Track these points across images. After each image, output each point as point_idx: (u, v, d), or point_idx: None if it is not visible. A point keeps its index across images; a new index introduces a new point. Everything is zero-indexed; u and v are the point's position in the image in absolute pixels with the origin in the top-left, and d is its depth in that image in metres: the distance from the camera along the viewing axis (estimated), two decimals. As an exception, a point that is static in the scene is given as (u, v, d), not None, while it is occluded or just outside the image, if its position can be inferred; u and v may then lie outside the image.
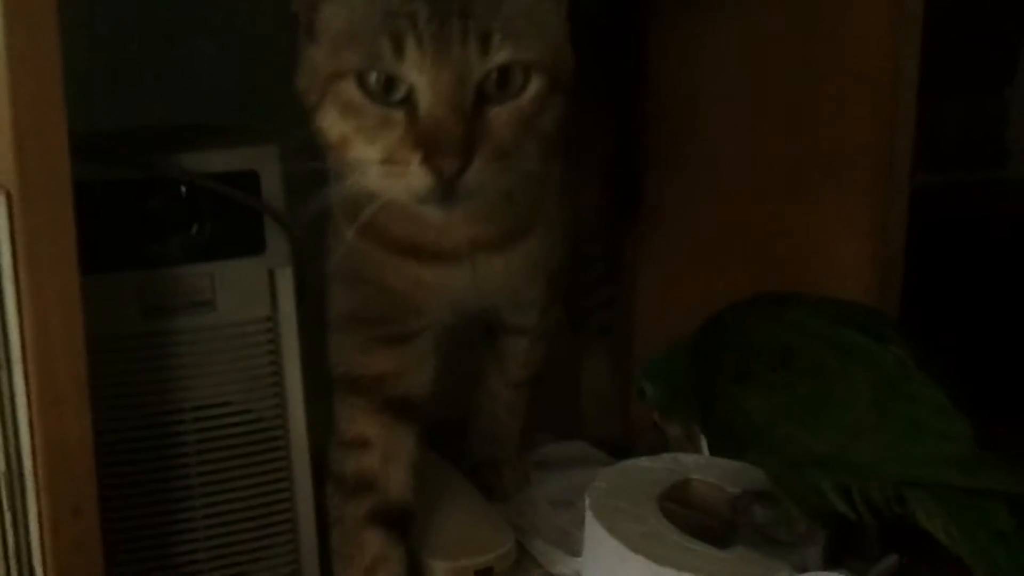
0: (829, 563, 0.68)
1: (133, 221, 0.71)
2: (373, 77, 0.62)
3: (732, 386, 0.68)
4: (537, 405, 1.03)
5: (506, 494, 0.92)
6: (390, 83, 0.62)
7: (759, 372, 0.67)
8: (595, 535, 0.70)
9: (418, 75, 0.61)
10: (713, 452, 0.75)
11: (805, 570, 0.66)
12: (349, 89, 0.63)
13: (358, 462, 0.78)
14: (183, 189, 0.72)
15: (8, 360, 0.59)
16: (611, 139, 1.04)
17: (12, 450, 0.60)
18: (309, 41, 0.67)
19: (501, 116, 0.63)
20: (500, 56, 0.62)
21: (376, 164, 0.63)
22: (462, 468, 0.93)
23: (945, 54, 1.42)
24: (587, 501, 0.72)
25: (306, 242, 0.77)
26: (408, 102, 0.62)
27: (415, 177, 0.62)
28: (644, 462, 0.78)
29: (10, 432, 0.60)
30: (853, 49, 0.90)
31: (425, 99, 0.61)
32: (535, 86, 0.64)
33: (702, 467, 0.76)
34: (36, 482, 0.60)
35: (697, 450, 0.80)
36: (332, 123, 0.65)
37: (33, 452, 0.60)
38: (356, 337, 0.78)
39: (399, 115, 0.62)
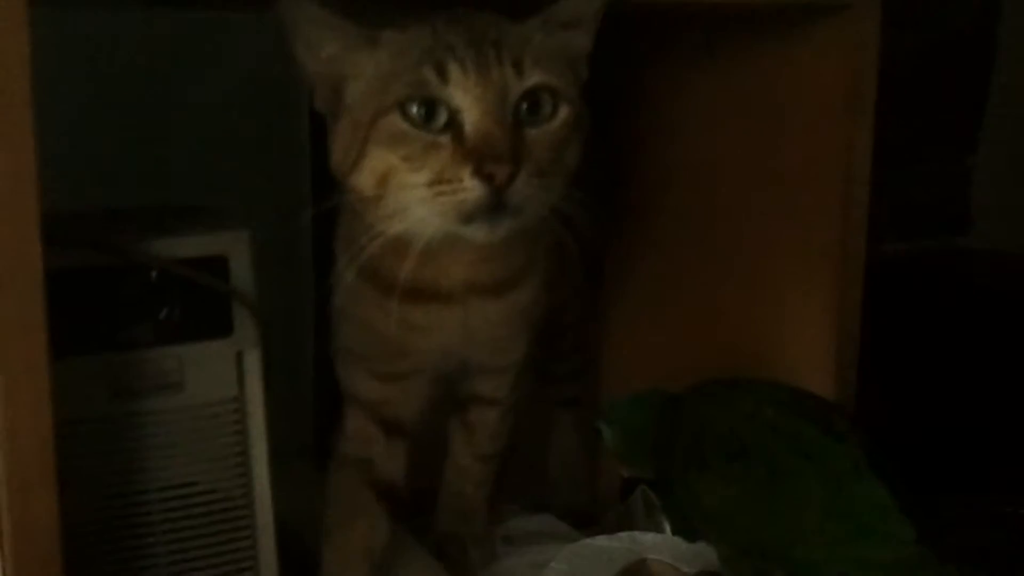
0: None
1: (103, 305, 0.73)
2: (414, 108, 0.67)
3: (688, 472, 0.70)
4: (506, 474, 1.04)
5: (471, 570, 0.93)
6: (431, 111, 0.67)
7: (714, 462, 0.70)
8: (553, 616, 0.71)
9: (463, 96, 0.67)
10: (674, 530, 0.77)
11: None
12: (394, 122, 0.68)
13: (359, 449, 0.86)
14: (153, 274, 0.74)
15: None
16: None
17: (-21, 535, 0.61)
18: (335, 121, 0.72)
19: (536, 137, 0.69)
20: (533, 78, 0.68)
21: (424, 187, 0.67)
22: (426, 541, 0.94)
23: (908, 123, 1.46)
24: (540, 583, 0.74)
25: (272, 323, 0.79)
26: (452, 125, 0.67)
27: (467, 190, 0.66)
28: (602, 541, 0.79)
29: (-23, 518, 0.61)
30: (810, 124, 0.92)
31: (471, 117, 0.67)
32: (564, 113, 0.70)
33: (659, 547, 0.78)
34: (3, 566, 0.61)
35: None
36: (377, 161, 0.69)
37: (0, 536, 0.61)
38: (355, 366, 0.84)
39: (445, 139, 0.67)
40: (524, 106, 0.68)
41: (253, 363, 0.78)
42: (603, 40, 0.74)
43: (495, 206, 0.66)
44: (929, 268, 1.44)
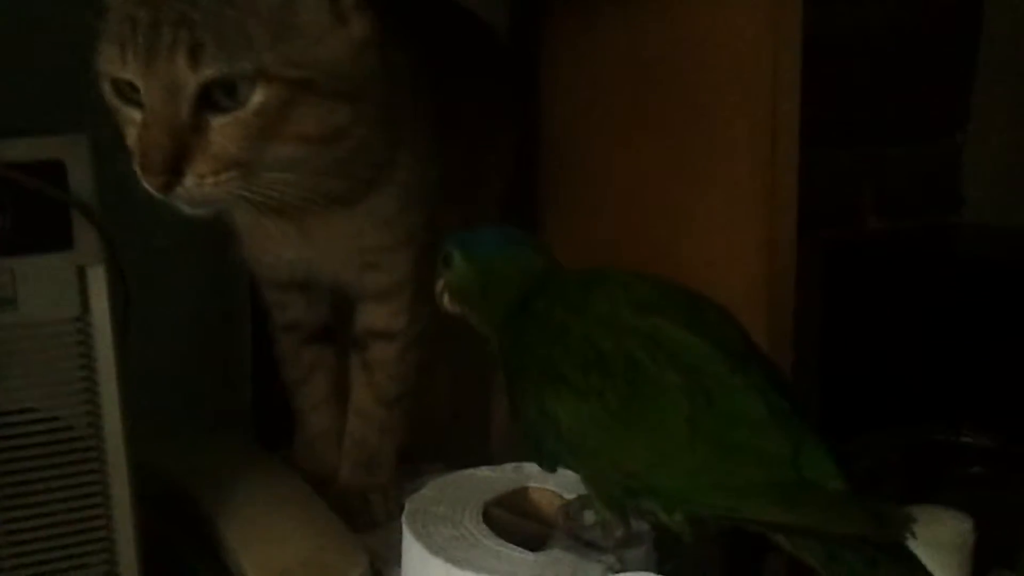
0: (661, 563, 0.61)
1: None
2: (109, 83, 0.64)
3: (540, 387, 0.60)
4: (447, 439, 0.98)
5: (372, 523, 0.86)
6: (123, 89, 0.63)
7: (570, 374, 0.59)
8: (406, 541, 0.64)
9: (139, 83, 0.62)
10: (531, 456, 0.68)
11: (622, 571, 0.59)
12: (106, 89, 0.65)
13: (283, 316, 0.89)
14: (-23, 179, 0.68)
15: None
16: (506, 151, 1.01)
17: None
18: None
19: (223, 126, 0.62)
20: (210, 71, 0.61)
21: None
22: (328, 494, 0.87)
23: (894, 100, 1.39)
24: (405, 507, 0.66)
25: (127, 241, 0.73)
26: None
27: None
28: (484, 471, 0.72)
29: None
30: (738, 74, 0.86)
31: (145, 111, 0.62)
32: (260, 96, 0.62)
33: (544, 475, 0.69)
34: None
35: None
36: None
37: None
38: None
39: (139, 115, 0.63)
40: (218, 87, 0.62)
41: (98, 281, 0.72)
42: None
43: (174, 202, 0.64)
44: (917, 245, 1.37)
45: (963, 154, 1.49)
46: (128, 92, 0.64)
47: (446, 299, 0.68)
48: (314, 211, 0.74)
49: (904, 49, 1.41)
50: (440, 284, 0.68)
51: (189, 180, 0.62)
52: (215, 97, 0.62)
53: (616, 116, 0.98)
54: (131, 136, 0.64)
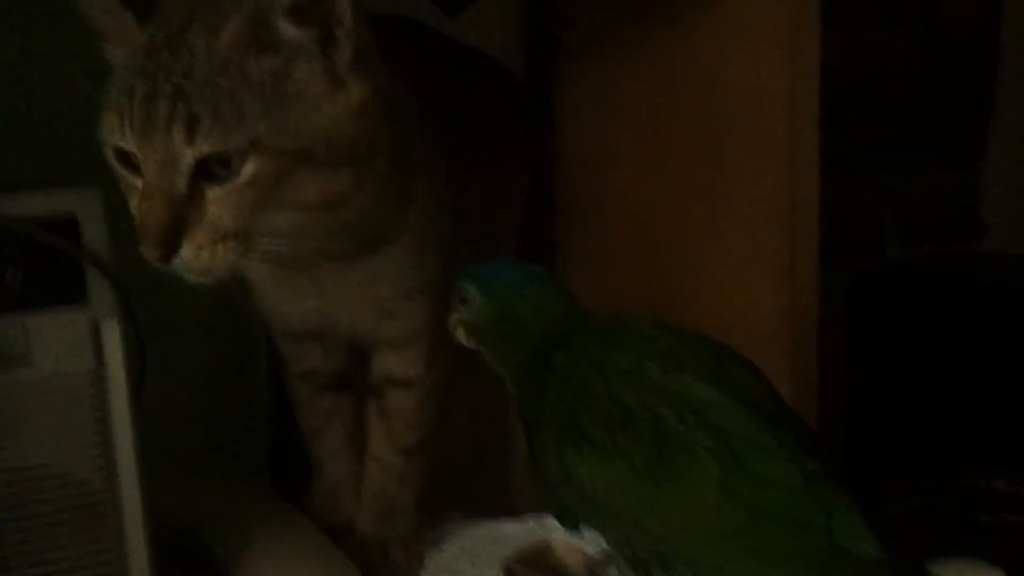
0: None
1: (-64, 268, 0.67)
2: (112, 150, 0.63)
3: (564, 448, 0.59)
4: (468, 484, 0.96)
5: (392, 574, 0.84)
6: (125, 156, 0.62)
7: (593, 433, 0.58)
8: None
9: (137, 154, 0.61)
10: (554, 513, 0.66)
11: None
12: (110, 156, 0.63)
13: (299, 365, 0.87)
14: (-9, 233, 0.68)
15: None
16: (522, 188, 1.00)
17: None
18: None
19: (218, 197, 0.61)
20: (205, 146, 0.60)
21: None
22: (346, 544, 0.85)
23: (915, 128, 1.38)
24: (427, 564, 0.65)
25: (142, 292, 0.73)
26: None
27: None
28: (505, 526, 0.70)
29: None
30: (750, 77, 0.84)
31: (143, 181, 0.61)
32: (253, 167, 0.61)
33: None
34: None
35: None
36: None
37: None
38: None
39: (140, 183, 0.62)
40: (206, 165, 0.60)
41: (112, 335, 0.71)
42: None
43: (175, 272, 0.63)
44: (939, 273, 1.36)
45: (984, 182, 1.47)
46: (129, 160, 0.63)
47: (460, 334, 0.67)
48: (329, 264, 0.73)
49: (923, 77, 1.40)
50: (455, 318, 0.67)
51: (187, 252, 0.61)
52: (212, 168, 0.61)
53: (632, 150, 0.97)
54: (133, 204, 0.63)
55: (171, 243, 0.60)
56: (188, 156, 0.60)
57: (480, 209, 0.89)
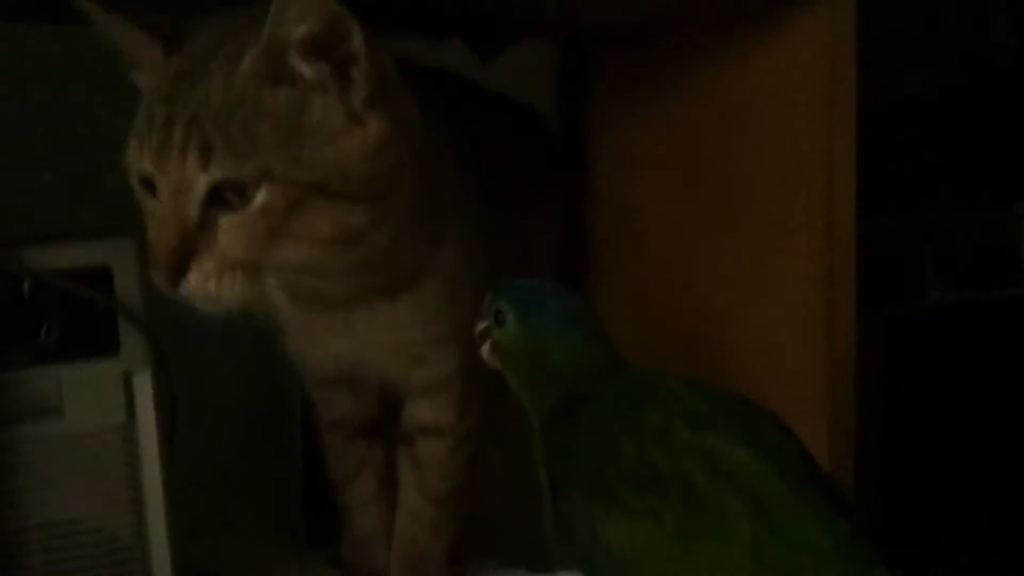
0: None
1: (-30, 321, 0.67)
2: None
3: (590, 504, 0.57)
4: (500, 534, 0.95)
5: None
6: (147, 180, 0.62)
7: (622, 494, 0.56)
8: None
9: (155, 178, 0.61)
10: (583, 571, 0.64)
11: None
12: (134, 182, 0.63)
13: (330, 413, 0.85)
14: (26, 286, 0.68)
15: None
16: (554, 236, 0.99)
17: None
18: None
19: (229, 225, 0.61)
20: (218, 173, 0.59)
21: None
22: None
23: (953, 169, 1.36)
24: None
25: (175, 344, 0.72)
26: None
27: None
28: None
29: None
30: (785, 130, 0.83)
31: (158, 203, 0.61)
32: (264, 196, 0.60)
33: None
34: None
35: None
36: None
37: None
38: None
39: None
40: (220, 193, 0.60)
41: (144, 386, 0.71)
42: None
43: (183, 299, 0.61)
44: (977, 318, 1.34)
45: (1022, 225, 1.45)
46: (151, 185, 0.62)
47: (487, 351, 0.66)
48: (359, 304, 0.72)
49: (961, 117, 1.39)
50: (485, 335, 0.66)
51: (194, 278, 0.60)
52: (226, 196, 0.60)
53: (668, 190, 0.96)
54: (148, 229, 0.63)
55: (178, 267, 0.60)
56: (201, 182, 0.59)
57: (512, 258, 0.88)
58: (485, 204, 0.80)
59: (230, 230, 0.60)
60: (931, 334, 1.28)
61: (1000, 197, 1.43)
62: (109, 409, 0.70)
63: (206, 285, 0.60)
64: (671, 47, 0.91)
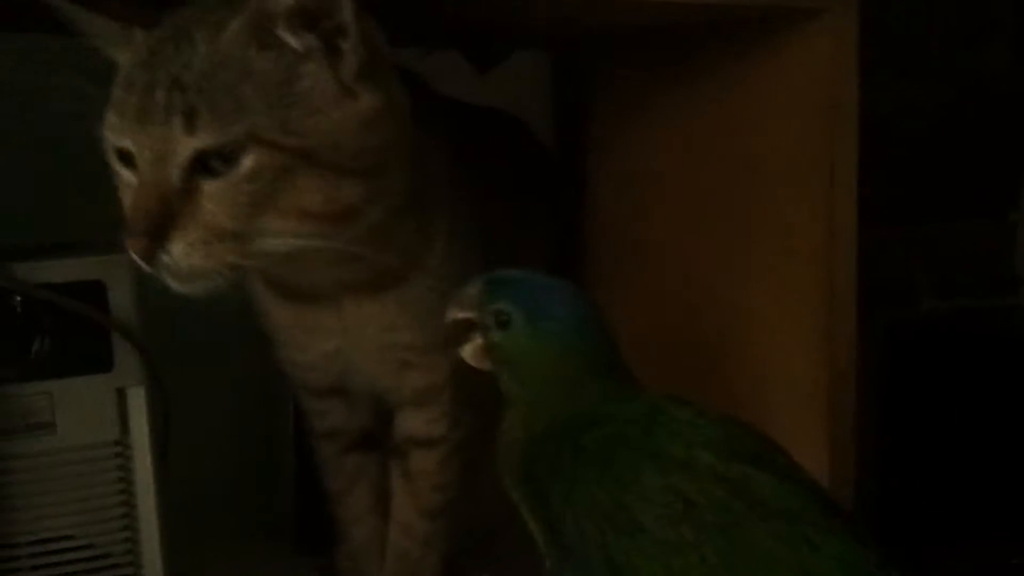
0: None
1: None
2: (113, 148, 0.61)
3: (608, 536, 0.56)
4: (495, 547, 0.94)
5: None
6: (123, 154, 0.60)
7: (652, 526, 0.55)
8: None
9: (133, 148, 0.59)
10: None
11: None
12: (111, 156, 0.61)
13: (323, 423, 0.85)
14: (18, 300, 0.67)
15: None
16: (548, 248, 0.99)
17: None
18: None
19: (214, 191, 0.58)
20: (205, 137, 0.57)
21: None
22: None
23: (946, 179, 1.36)
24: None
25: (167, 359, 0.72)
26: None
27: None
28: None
29: None
30: (788, 138, 0.83)
31: (138, 173, 0.59)
32: (252, 160, 0.58)
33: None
34: None
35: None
36: None
37: None
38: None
39: (135, 179, 0.60)
40: (204, 160, 0.58)
41: (138, 402, 0.70)
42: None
43: (160, 273, 0.58)
44: (975, 327, 1.34)
45: (1018, 234, 1.45)
46: (129, 159, 0.60)
47: (473, 352, 0.62)
48: (345, 299, 0.72)
49: (957, 128, 1.39)
50: (469, 333, 0.62)
51: (177, 248, 0.58)
52: (209, 163, 0.58)
53: (668, 204, 0.96)
54: (125, 202, 0.60)
55: (158, 235, 0.57)
56: (186, 147, 0.57)
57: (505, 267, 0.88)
58: (477, 211, 0.80)
59: (215, 196, 0.58)
60: (925, 343, 1.28)
61: (993, 207, 1.43)
62: (102, 425, 0.69)
63: (189, 256, 0.58)
64: (671, 58, 0.91)
